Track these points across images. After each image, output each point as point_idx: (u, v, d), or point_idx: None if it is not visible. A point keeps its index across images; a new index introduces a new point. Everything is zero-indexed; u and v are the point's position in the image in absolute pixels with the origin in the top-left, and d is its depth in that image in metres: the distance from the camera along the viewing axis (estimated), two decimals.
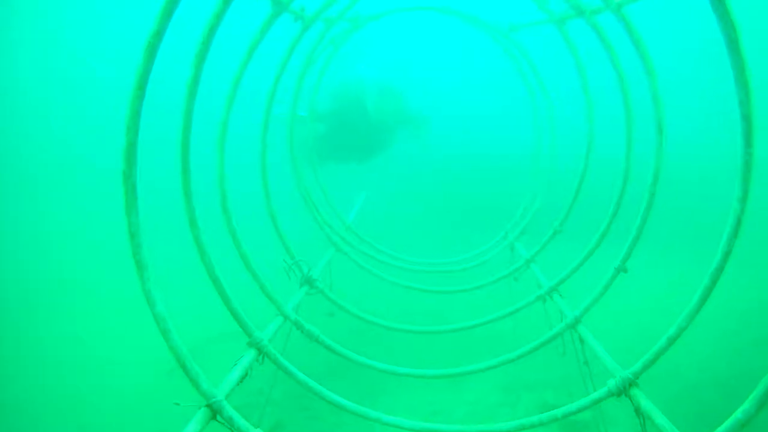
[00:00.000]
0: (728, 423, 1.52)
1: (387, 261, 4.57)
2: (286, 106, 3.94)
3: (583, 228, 4.12)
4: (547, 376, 4.43)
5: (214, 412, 1.79)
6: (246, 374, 2.15)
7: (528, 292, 4.01)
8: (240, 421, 1.81)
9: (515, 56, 4.71)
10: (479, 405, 4.18)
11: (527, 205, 4.78)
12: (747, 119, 1.61)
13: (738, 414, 1.59)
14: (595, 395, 2.18)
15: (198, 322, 5.05)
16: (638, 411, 2.05)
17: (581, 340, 2.77)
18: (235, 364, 2.26)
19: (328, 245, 4.27)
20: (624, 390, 2.14)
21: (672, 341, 2.07)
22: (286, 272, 3.24)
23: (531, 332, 4.30)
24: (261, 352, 2.33)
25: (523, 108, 5.42)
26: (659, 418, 1.92)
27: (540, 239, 4.21)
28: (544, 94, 4.46)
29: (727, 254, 1.81)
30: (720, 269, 1.84)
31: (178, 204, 2.14)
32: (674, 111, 2.97)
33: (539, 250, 3.96)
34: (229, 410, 1.81)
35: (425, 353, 4.65)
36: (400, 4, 4.54)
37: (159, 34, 1.53)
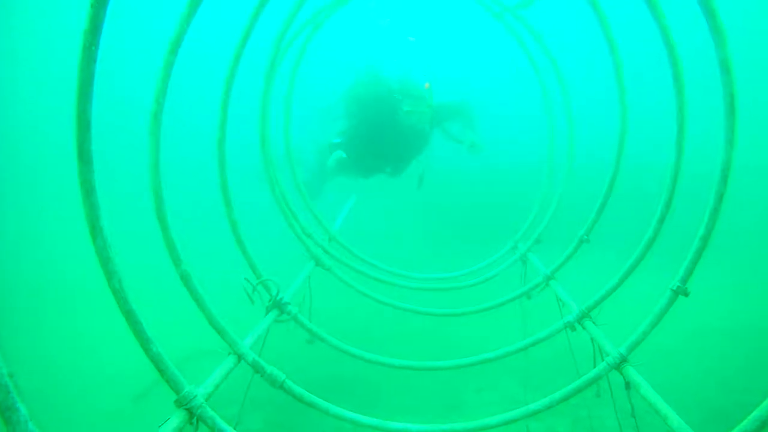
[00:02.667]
0: None
1: (377, 276, 3.90)
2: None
3: (605, 235, 3.49)
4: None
5: None
6: None
7: (543, 309, 3.37)
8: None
9: (523, 39, 4.08)
10: None
11: (539, 210, 4.12)
12: None
13: None
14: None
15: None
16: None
17: (628, 385, 2.11)
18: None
19: (307, 259, 3.59)
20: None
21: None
22: (248, 295, 2.56)
23: (545, 355, 3.66)
24: (193, 414, 1.65)
25: (528, 103, 4.83)
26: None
27: (552, 251, 3.57)
28: (560, 80, 3.82)
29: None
30: None
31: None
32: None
33: (561, 264, 3.26)
34: None
35: (422, 376, 3.99)
36: None
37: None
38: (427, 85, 5.10)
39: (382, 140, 5.25)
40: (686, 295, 2.09)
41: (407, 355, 3.11)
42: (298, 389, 2.18)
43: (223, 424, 1.71)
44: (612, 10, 3.05)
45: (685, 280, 2.09)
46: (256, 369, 2.16)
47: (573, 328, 2.66)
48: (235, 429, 1.75)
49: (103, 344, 4.81)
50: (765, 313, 4.69)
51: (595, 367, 2.28)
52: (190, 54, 2.33)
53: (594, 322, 2.57)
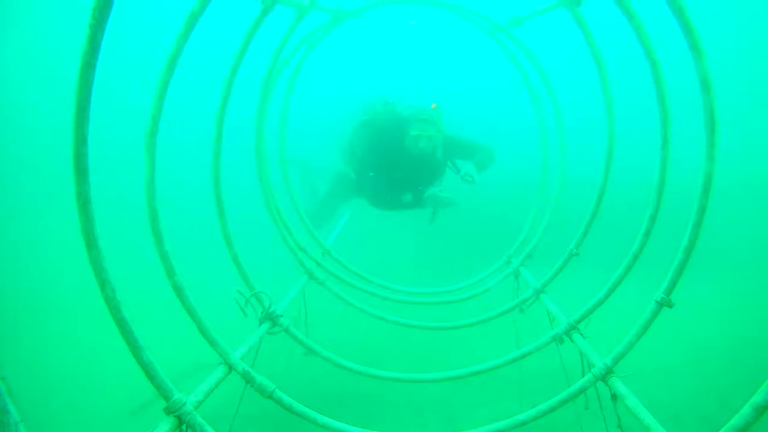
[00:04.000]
0: None
1: (372, 290, 3.92)
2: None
3: (594, 251, 3.53)
4: (554, 415, 3.80)
5: None
6: None
7: (535, 324, 3.39)
8: None
9: (516, 56, 4.16)
10: None
11: (532, 225, 4.17)
12: None
13: None
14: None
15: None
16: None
17: (614, 396, 2.13)
18: None
19: (301, 273, 3.62)
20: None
21: (761, 412, 1.45)
22: (241, 307, 2.58)
23: (540, 368, 3.67)
24: (182, 421, 1.68)
25: (523, 119, 4.90)
26: None
27: (545, 266, 3.60)
28: (552, 98, 3.88)
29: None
30: None
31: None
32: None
33: (551, 278, 3.30)
34: None
35: (416, 390, 4.00)
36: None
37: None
38: (434, 105, 4.93)
39: (392, 167, 5.00)
40: (670, 306, 2.13)
41: (402, 370, 3.14)
42: (288, 399, 2.20)
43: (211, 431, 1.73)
44: (602, 27, 3.14)
45: (669, 291, 2.12)
46: (246, 379, 2.18)
47: (561, 341, 2.68)
48: None
49: (101, 353, 4.83)
50: (763, 327, 4.73)
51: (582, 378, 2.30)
52: (187, 65, 2.38)
53: (582, 335, 2.60)
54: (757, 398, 1.46)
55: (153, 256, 2.08)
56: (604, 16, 3.13)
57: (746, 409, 1.48)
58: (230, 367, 2.15)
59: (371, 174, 5.10)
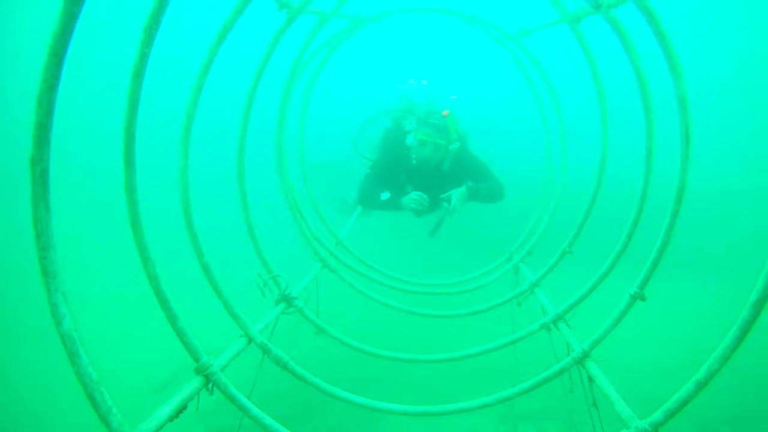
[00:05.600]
0: None
1: (379, 280, 4.21)
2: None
3: (598, 251, 3.75)
4: (550, 405, 4.03)
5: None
6: (184, 407, 1.79)
7: (533, 320, 3.64)
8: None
9: (524, 65, 4.40)
10: None
11: (534, 224, 4.41)
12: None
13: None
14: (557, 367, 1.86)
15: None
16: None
17: (590, 379, 2.38)
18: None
19: (315, 261, 3.92)
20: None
21: (700, 387, 1.70)
22: (260, 289, 2.89)
23: (534, 361, 3.92)
24: (209, 380, 1.98)
25: (531, 122, 5.11)
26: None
27: (544, 261, 3.85)
28: (556, 105, 4.12)
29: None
30: (764, 299, 1.47)
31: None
32: (704, 118, 2.62)
33: (545, 273, 3.57)
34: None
35: (418, 379, 4.27)
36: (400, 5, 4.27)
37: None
38: (445, 113, 4.60)
39: (400, 173, 4.79)
40: (643, 299, 2.38)
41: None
42: (300, 369, 2.49)
43: (234, 390, 2.03)
44: (600, 43, 3.36)
45: (642, 286, 2.38)
46: (264, 350, 2.48)
47: (549, 329, 2.94)
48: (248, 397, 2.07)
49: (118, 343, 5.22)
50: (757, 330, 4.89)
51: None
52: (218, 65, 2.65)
53: (568, 325, 2.86)
54: (698, 375, 1.70)
55: (185, 241, 2.38)
56: (602, 32, 3.35)
57: (689, 384, 1.72)
58: (250, 339, 2.45)
59: (383, 177, 4.83)
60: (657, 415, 1.76)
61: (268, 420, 1.98)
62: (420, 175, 4.72)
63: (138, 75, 1.61)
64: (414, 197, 4.55)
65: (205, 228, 2.66)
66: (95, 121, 11.13)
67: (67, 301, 1.42)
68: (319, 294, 3.68)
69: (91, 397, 1.42)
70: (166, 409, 1.70)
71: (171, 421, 1.70)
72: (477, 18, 4.18)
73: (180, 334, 1.93)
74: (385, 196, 4.75)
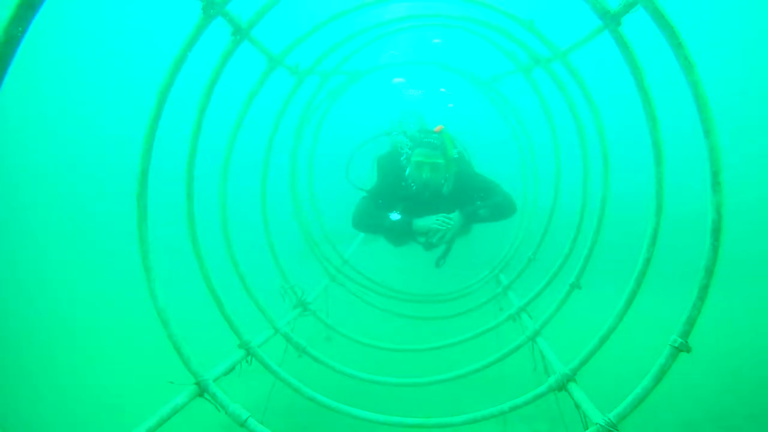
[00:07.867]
0: None
1: (381, 292, 4.89)
2: None
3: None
4: (541, 407, 4.51)
5: (202, 390, 2.14)
6: (233, 368, 2.50)
7: (516, 334, 3.94)
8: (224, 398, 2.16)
9: (499, 104, 5.18)
10: None
11: (512, 241, 5.12)
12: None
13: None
14: (537, 390, 2.47)
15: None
16: (577, 405, 2.32)
17: (542, 355, 3.03)
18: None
19: (324, 276, 4.63)
20: (563, 386, 2.43)
21: (603, 341, 2.37)
22: (282, 295, 3.61)
23: (519, 364, 4.45)
24: (249, 353, 2.68)
25: (510, 153, 5.67)
26: (591, 411, 2.15)
27: (529, 275, 4.39)
28: (527, 139, 4.86)
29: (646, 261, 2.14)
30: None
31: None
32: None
33: (515, 278, 4.28)
34: (215, 389, 2.16)
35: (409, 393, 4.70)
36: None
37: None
38: (438, 128, 4.33)
39: (397, 202, 4.45)
40: (579, 288, 3.06)
41: (402, 365, 3.89)
42: (316, 353, 3.18)
43: (271, 362, 2.72)
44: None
45: (578, 277, 3.05)
46: (287, 339, 3.19)
47: (514, 319, 3.62)
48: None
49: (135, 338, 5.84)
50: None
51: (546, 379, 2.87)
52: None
53: (530, 316, 3.54)
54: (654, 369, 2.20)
55: (222, 253, 3.10)
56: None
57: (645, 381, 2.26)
58: (276, 330, 3.15)
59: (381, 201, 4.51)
60: (573, 363, 2.43)
61: (304, 388, 2.66)
62: (419, 201, 4.36)
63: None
64: (438, 218, 4.20)
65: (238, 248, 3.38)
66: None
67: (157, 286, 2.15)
68: (329, 305, 4.35)
69: (178, 352, 2.14)
70: (221, 367, 2.41)
71: (225, 375, 2.40)
72: (454, 68, 4.97)
73: (226, 318, 2.63)
74: (395, 216, 4.32)
